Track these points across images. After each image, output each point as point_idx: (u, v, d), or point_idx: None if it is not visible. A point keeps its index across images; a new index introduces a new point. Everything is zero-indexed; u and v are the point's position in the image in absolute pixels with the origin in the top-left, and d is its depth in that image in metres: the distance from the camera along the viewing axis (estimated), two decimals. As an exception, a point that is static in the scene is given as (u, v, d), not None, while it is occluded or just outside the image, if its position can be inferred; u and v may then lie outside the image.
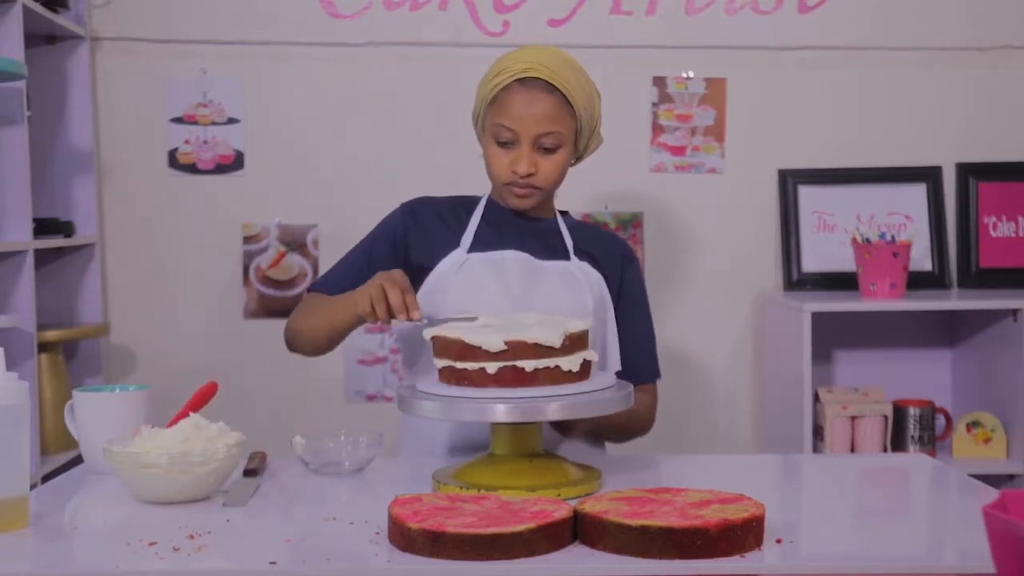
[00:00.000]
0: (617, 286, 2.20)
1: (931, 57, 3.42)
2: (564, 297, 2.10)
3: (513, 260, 2.13)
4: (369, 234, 2.23)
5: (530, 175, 2.08)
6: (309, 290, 2.22)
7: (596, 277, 2.16)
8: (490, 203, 2.21)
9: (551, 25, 3.38)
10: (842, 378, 3.44)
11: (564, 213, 2.26)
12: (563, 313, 2.02)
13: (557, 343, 1.71)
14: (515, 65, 2.08)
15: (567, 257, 2.17)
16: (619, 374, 2.08)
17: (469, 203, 2.23)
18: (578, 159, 2.20)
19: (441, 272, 2.13)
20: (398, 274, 1.93)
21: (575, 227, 2.24)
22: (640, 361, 2.20)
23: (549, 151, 2.09)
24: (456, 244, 2.15)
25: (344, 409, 3.37)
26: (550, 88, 2.06)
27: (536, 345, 1.71)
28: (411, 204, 2.23)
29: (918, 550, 1.57)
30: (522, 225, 2.19)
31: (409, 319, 1.88)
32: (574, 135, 2.12)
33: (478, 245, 2.15)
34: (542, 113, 2.06)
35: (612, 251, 2.22)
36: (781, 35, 3.40)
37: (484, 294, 2.09)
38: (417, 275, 2.13)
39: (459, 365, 1.73)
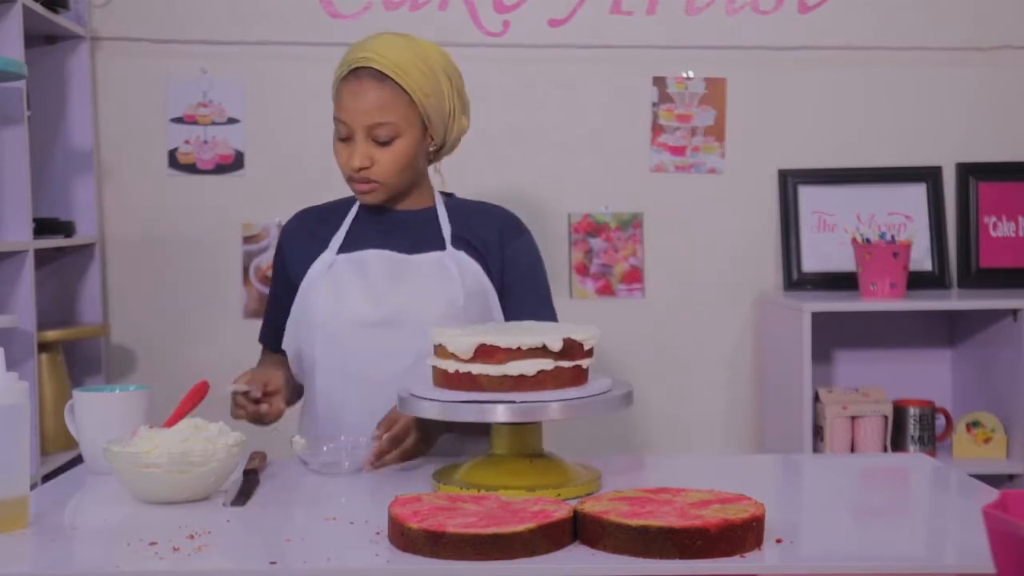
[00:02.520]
0: (499, 266, 2.13)
1: (931, 57, 3.42)
2: (432, 291, 2.07)
3: (375, 258, 2.10)
4: (271, 274, 2.29)
5: (364, 168, 2.05)
6: (260, 340, 2.29)
7: (472, 267, 2.10)
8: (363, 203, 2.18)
9: (551, 25, 3.38)
10: (842, 378, 3.43)
11: (449, 195, 2.22)
12: (431, 311, 2.02)
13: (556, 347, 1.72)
14: (352, 55, 2.05)
15: (442, 247, 2.11)
16: None
17: (345, 205, 2.21)
18: (441, 147, 2.15)
19: (310, 277, 2.12)
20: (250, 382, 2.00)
21: (456, 209, 2.18)
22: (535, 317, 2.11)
23: (385, 143, 2.05)
24: (325, 246, 2.14)
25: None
26: (381, 77, 2.02)
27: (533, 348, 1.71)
28: (283, 227, 2.25)
29: (918, 550, 1.57)
30: (394, 219, 2.15)
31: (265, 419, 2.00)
32: (419, 123, 2.06)
33: (347, 246, 2.13)
34: (371, 104, 2.02)
35: (490, 229, 2.15)
36: (781, 35, 3.40)
37: (348, 296, 2.08)
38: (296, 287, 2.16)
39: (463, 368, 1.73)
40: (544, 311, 2.14)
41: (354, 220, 2.17)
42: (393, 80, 2.03)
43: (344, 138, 2.07)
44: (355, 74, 2.04)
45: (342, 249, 2.13)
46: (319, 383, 2.11)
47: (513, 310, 2.13)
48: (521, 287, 2.14)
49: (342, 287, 2.09)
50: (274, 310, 2.23)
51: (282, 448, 2.15)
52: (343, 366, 2.08)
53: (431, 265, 2.10)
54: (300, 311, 2.12)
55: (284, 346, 2.18)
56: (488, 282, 2.12)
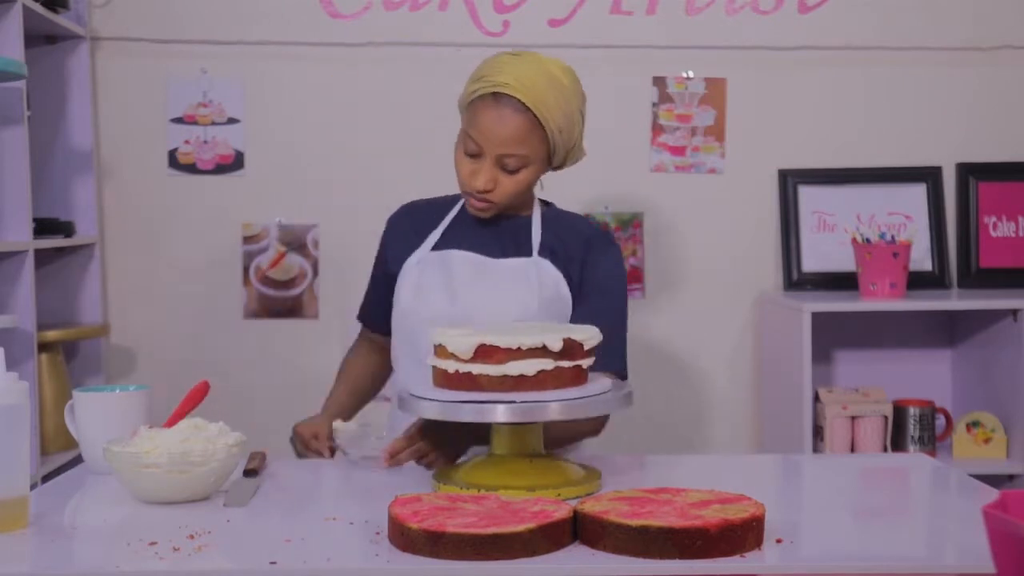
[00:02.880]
0: (578, 274, 2.14)
1: (931, 57, 3.42)
2: (508, 294, 2.10)
3: (459, 258, 2.15)
4: (375, 259, 2.34)
5: (488, 191, 2.08)
6: (359, 317, 2.38)
7: (553, 275, 2.13)
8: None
9: (551, 25, 3.38)
10: (842, 378, 3.43)
11: (548, 205, 2.24)
12: (502, 313, 2.07)
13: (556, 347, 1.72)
14: (495, 76, 2.04)
15: (529, 254, 2.15)
16: None
17: (450, 202, 2.25)
18: (556, 169, 2.17)
19: (403, 271, 2.19)
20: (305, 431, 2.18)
21: (551, 220, 2.20)
22: (598, 351, 2.08)
23: (512, 171, 2.07)
24: (423, 241, 2.21)
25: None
26: (522, 108, 2.02)
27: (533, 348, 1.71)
28: (389, 218, 2.31)
29: (918, 550, 1.57)
30: (492, 223, 2.18)
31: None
32: (545, 155, 2.08)
33: (441, 244, 2.19)
34: (509, 134, 2.03)
35: (576, 239, 2.17)
36: (781, 35, 3.40)
37: (429, 292, 2.14)
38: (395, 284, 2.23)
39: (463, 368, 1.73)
40: (614, 324, 2.11)
41: (453, 220, 2.22)
42: (534, 113, 2.03)
43: (471, 154, 2.08)
44: (496, 98, 2.04)
45: (436, 247, 2.19)
46: (399, 374, 2.21)
47: (582, 319, 2.11)
48: (595, 298, 2.13)
49: (425, 284, 2.15)
50: (375, 292, 2.31)
51: (282, 448, 2.15)
52: (417, 359, 2.07)
53: (512, 270, 2.13)
54: (396, 301, 2.21)
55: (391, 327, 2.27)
56: (567, 291, 2.13)
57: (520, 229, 2.18)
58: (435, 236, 2.20)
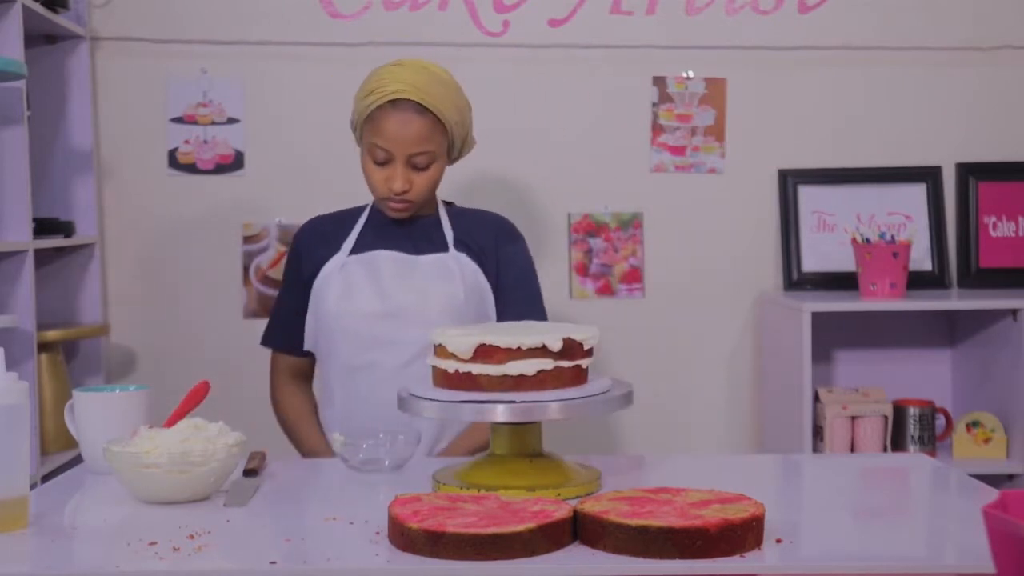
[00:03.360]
0: (495, 268, 2.31)
1: (931, 57, 3.42)
2: (435, 287, 2.24)
3: (385, 258, 2.28)
4: (283, 277, 2.44)
5: (405, 191, 2.22)
6: (264, 343, 2.47)
7: (471, 267, 2.28)
8: (373, 209, 2.36)
9: (551, 25, 3.38)
10: (842, 378, 3.43)
11: (449, 204, 2.40)
12: (433, 305, 2.21)
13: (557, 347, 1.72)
14: (388, 85, 2.20)
15: (445, 249, 2.30)
16: None
17: (355, 213, 2.38)
18: (453, 161, 2.33)
19: (322, 277, 2.30)
20: None
21: (458, 216, 2.36)
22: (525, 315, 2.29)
23: (422, 168, 2.22)
24: (336, 250, 2.31)
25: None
26: (421, 109, 2.19)
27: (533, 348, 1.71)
28: (296, 234, 2.42)
29: (918, 550, 1.57)
30: (402, 225, 2.32)
31: None
32: (446, 149, 2.26)
33: (358, 249, 2.30)
34: (414, 135, 2.19)
35: (487, 233, 2.34)
36: (781, 35, 3.40)
37: (359, 291, 2.25)
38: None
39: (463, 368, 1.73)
40: (534, 310, 2.31)
41: (364, 226, 2.34)
42: (432, 112, 2.20)
43: (380, 162, 2.23)
44: (396, 105, 2.20)
45: (353, 252, 2.30)
46: (334, 374, 2.29)
47: (505, 308, 2.30)
48: (514, 287, 2.31)
49: (353, 284, 2.27)
50: (285, 312, 2.41)
51: (282, 448, 2.15)
52: (354, 356, 2.26)
53: (435, 265, 2.28)
54: (315, 308, 2.31)
55: (307, 344, 2.37)
56: (485, 282, 2.30)
57: (430, 227, 2.33)
58: (350, 242, 2.31)
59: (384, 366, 2.24)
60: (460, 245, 2.31)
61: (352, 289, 2.27)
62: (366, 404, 2.25)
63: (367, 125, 2.24)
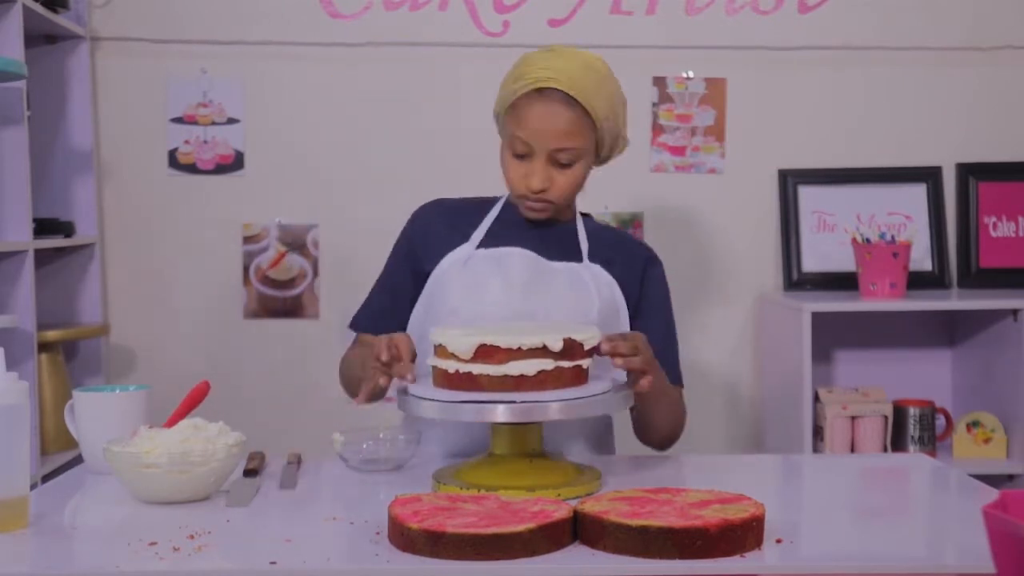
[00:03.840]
0: (637, 292, 2.12)
1: (931, 57, 3.42)
2: (568, 299, 2.05)
3: (519, 257, 2.07)
4: (389, 258, 2.19)
5: (543, 190, 2.03)
6: (351, 326, 2.18)
7: (607, 280, 2.09)
8: (507, 204, 2.15)
9: (551, 25, 3.38)
10: (842, 378, 3.43)
11: (587, 216, 2.21)
12: (565, 316, 2.01)
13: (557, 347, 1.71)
14: (535, 72, 1.99)
15: (579, 259, 2.11)
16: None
17: (486, 204, 2.18)
18: (601, 163, 2.15)
19: (444, 268, 2.08)
20: (400, 339, 1.82)
21: (595, 231, 2.17)
22: (664, 365, 2.05)
23: (565, 166, 2.02)
24: (464, 240, 2.10)
25: (344, 409, 3.36)
26: (569, 101, 1.98)
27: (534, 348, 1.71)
28: (415, 213, 2.19)
29: (918, 550, 1.57)
30: (538, 224, 2.12)
31: (401, 378, 1.79)
32: (593, 147, 2.05)
33: (487, 243, 2.10)
34: (559, 128, 1.98)
35: (632, 256, 2.15)
36: (781, 35, 3.40)
37: (486, 291, 2.04)
38: (426, 281, 2.11)
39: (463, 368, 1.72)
40: (667, 349, 2.11)
41: (495, 221, 2.14)
42: (581, 104, 1.99)
43: (521, 155, 2.03)
44: (542, 94, 1.99)
45: (482, 245, 2.10)
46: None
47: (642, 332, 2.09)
48: (653, 317, 2.13)
49: (481, 281, 2.06)
50: (384, 296, 2.16)
51: (282, 448, 2.15)
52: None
53: (569, 274, 2.08)
54: (430, 300, 2.09)
55: (410, 330, 2.12)
56: (621, 298, 2.11)
57: (565, 235, 2.14)
58: (479, 234, 2.11)
59: None
60: (595, 259, 2.11)
61: (480, 286, 2.05)
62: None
63: (510, 114, 2.02)
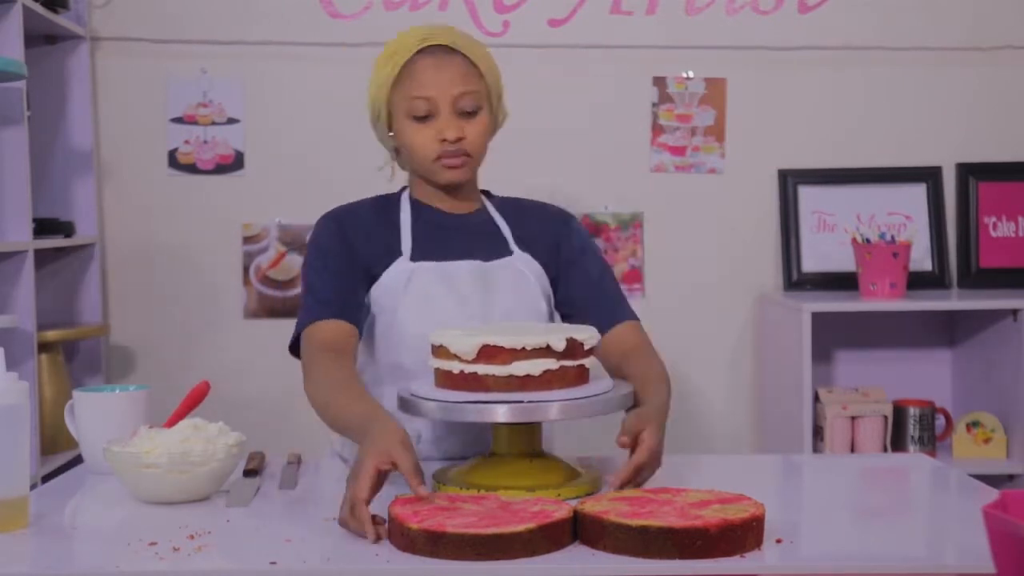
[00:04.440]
0: (556, 257, 2.09)
1: (931, 57, 3.42)
2: (519, 302, 2.02)
3: (462, 269, 2.03)
4: (313, 257, 2.06)
5: (460, 139, 2.00)
6: (298, 328, 1.97)
7: (538, 270, 2.06)
8: (413, 202, 2.11)
9: (551, 25, 3.38)
10: (842, 378, 3.43)
11: (487, 194, 2.16)
12: (521, 318, 1.99)
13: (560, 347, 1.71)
14: (411, 39, 2.05)
15: (509, 251, 2.07)
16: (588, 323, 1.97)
17: (389, 203, 2.12)
18: (493, 130, 2.11)
19: (387, 286, 2.01)
20: (360, 502, 1.53)
21: (504, 208, 2.13)
22: (608, 302, 2.06)
23: (471, 114, 2.02)
24: (396, 250, 2.04)
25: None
26: (452, 52, 2.02)
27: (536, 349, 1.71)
28: (333, 217, 2.11)
29: (918, 550, 1.57)
30: (456, 223, 2.08)
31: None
32: (488, 99, 2.06)
33: (420, 251, 2.04)
34: (454, 75, 2.01)
35: (545, 226, 2.11)
36: (781, 35, 3.40)
37: (438, 309, 1.99)
38: (370, 282, 2.03)
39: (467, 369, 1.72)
40: (608, 280, 2.10)
41: (413, 224, 2.08)
42: (464, 55, 2.03)
43: (422, 116, 2.01)
44: (427, 52, 2.03)
45: (415, 257, 2.04)
46: (387, 375, 2.01)
47: (574, 286, 2.08)
48: (579, 265, 2.09)
49: (431, 297, 2.00)
50: (327, 288, 1.99)
51: (281, 448, 2.15)
52: (422, 365, 1.89)
53: (508, 272, 2.05)
54: (384, 318, 2.02)
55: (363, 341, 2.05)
56: (549, 285, 2.09)
57: (483, 225, 2.10)
58: (406, 243, 2.04)
59: None
60: (521, 244, 2.08)
61: (432, 304, 1.99)
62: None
63: (399, 88, 2.02)
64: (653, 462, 1.72)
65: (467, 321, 1.97)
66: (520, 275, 2.05)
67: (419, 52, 2.03)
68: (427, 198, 2.09)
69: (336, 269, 2.01)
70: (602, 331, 1.98)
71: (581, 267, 2.09)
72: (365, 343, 2.05)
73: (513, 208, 2.14)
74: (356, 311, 1.98)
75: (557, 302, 2.10)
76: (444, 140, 1.99)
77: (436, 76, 2.01)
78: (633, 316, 2.07)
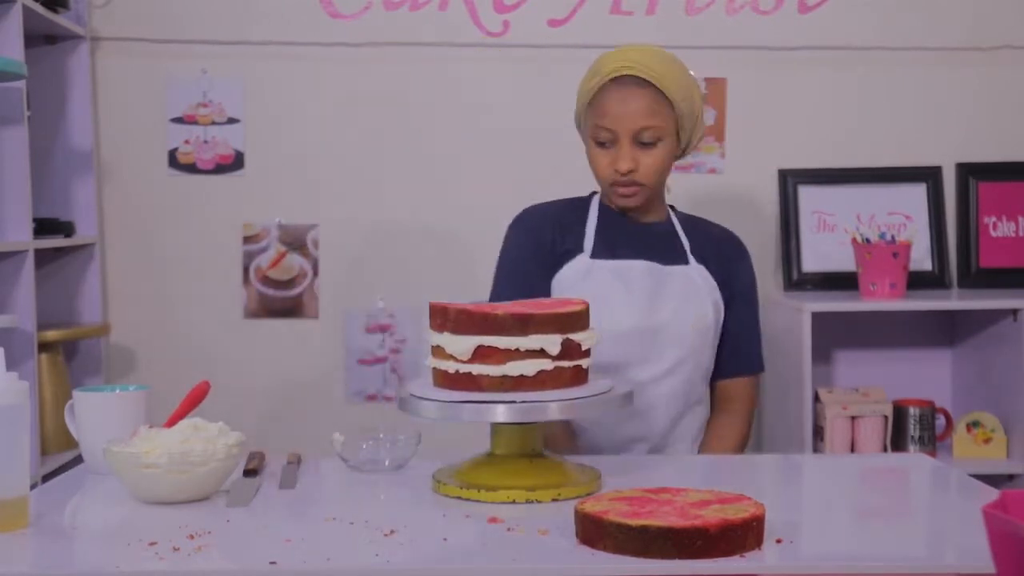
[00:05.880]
0: (729, 287, 2.24)
1: (931, 57, 3.42)
2: (687, 308, 2.15)
3: (639, 269, 2.15)
4: (504, 263, 2.22)
5: (631, 172, 2.10)
6: None
7: (712, 283, 2.20)
8: (602, 206, 2.24)
9: (551, 25, 3.37)
10: (842, 378, 3.43)
11: (672, 209, 2.29)
12: (686, 324, 2.12)
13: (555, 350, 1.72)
14: (608, 65, 2.11)
15: (686, 261, 2.20)
16: (719, 365, 2.21)
17: (579, 205, 2.25)
18: (683, 151, 2.21)
19: (565, 279, 2.15)
20: None
21: (686, 223, 2.27)
22: (740, 350, 2.24)
23: (649, 145, 2.11)
24: (578, 248, 2.18)
25: (344, 409, 3.37)
26: (643, 83, 2.09)
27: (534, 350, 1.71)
28: (522, 220, 2.24)
29: (918, 550, 1.57)
30: (639, 229, 2.21)
31: None
32: (675, 128, 2.13)
33: (600, 250, 2.18)
34: (637, 109, 2.09)
35: (724, 250, 2.26)
36: (781, 35, 3.40)
37: (611, 306, 2.10)
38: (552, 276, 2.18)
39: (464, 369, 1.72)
40: (750, 333, 2.27)
41: (598, 225, 2.21)
42: (655, 86, 2.09)
43: (603, 143, 2.12)
44: (617, 83, 2.10)
45: (595, 255, 2.18)
46: None
47: (731, 326, 2.24)
48: (742, 306, 2.26)
49: (607, 294, 2.11)
50: (526, 293, 2.11)
51: (281, 448, 2.15)
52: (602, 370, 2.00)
53: (682, 279, 2.18)
54: None
55: None
56: (721, 300, 2.22)
57: (665, 235, 2.23)
58: (588, 241, 2.19)
59: (634, 381, 2.07)
60: (698, 257, 2.23)
61: (607, 300, 2.09)
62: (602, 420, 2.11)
63: (590, 110, 2.14)
64: None
65: (634, 318, 2.11)
66: (692, 283, 2.18)
67: (612, 80, 2.10)
68: (610, 201, 2.22)
69: (530, 280, 2.17)
70: (723, 376, 2.26)
71: (741, 304, 2.25)
72: None
73: (696, 224, 2.30)
74: None
75: None
76: (617, 169, 2.11)
77: (620, 108, 2.10)
78: (758, 369, 2.28)
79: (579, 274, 2.15)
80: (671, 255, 2.20)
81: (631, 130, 2.09)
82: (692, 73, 2.18)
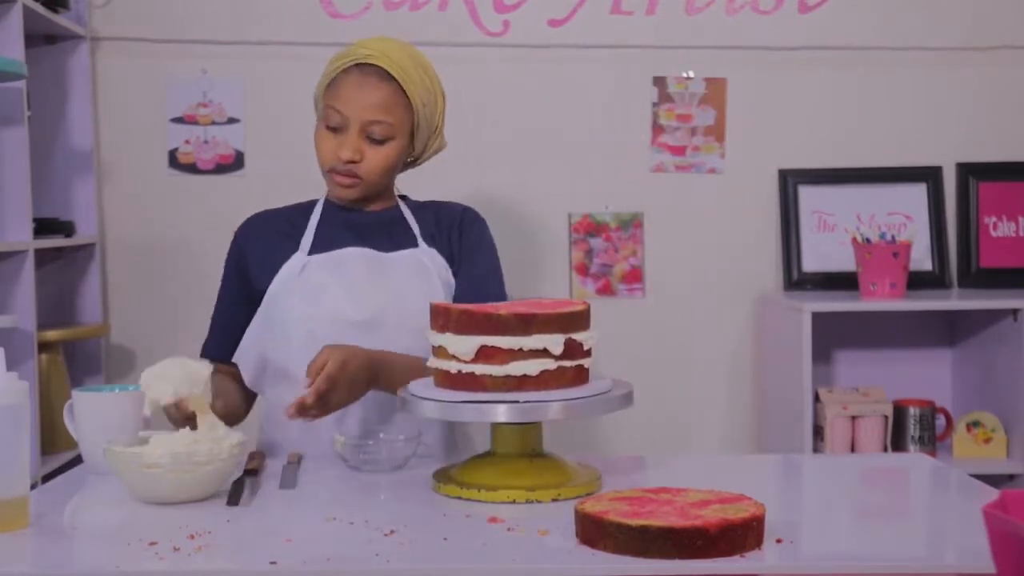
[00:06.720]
0: (457, 250, 2.15)
1: (931, 57, 3.42)
2: (413, 285, 2.07)
3: (354, 256, 2.09)
4: (221, 280, 2.24)
5: (353, 162, 2.06)
6: (202, 354, 2.17)
7: (442, 263, 2.12)
8: (327, 204, 2.18)
9: (551, 25, 3.38)
10: (842, 378, 3.43)
11: (404, 198, 2.22)
12: (412, 308, 2.02)
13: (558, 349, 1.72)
14: (357, 51, 2.07)
15: (415, 244, 2.13)
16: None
17: (306, 208, 2.20)
18: (415, 160, 2.17)
19: (281, 279, 2.09)
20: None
21: (418, 209, 2.20)
22: (480, 294, 2.08)
23: (378, 142, 2.06)
24: (295, 248, 2.12)
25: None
26: (387, 77, 2.04)
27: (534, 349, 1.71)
28: (239, 231, 2.22)
29: (918, 550, 1.57)
30: (363, 219, 2.15)
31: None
32: (409, 130, 2.08)
33: (319, 247, 2.11)
34: (374, 100, 2.04)
35: (449, 221, 2.17)
36: (781, 35, 3.40)
37: (326, 295, 2.05)
38: (262, 298, 2.13)
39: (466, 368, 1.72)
40: (493, 282, 2.15)
41: (320, 221, 2.16)
42: (398, 83, 2.05)
43: (334, 128, 2.07)
44: (360, 69, 2.05)
45: (313, 251, 2.11)
46: (292, 394, 1.95)
47: (462, 277, 2.14)
48: (472, 257, 2.15)
49: (319, 286, 2.07)
50: (224, 318, 2.19)
51: (280, 448, 2.15)
52: (299, 375, 1.95)
53: (408, 262, 2.11)
54: (269, 316, 2.09)
55: (237, 358, 2.13)
56: (452, 278, 2.14)
57: (393, 222, 2.16)
58: (308, 239, 2.13)
59: None
60: (428, 239, 2.14)
61: (319, 293, 2.05)
62: (332, 420, 1.99)
63: (328, 91, 2.09)
64: (335, 389, 1.84)
65: (354, 306, 2.04)
66: (420, 265, 2.10)
67: (357, 66, 2.06)
68: (331, 192, 2.17)
69: (230, 304, 2.19)
70: None
71: (470, 255, 2.15)
72: (257, 338, 2.12)
73: (426, 207, 2.21)
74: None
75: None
76: (339, 156, 2.06)
77: (356, 95, 2.05)
78: (501, 297, 2.13)
79: (293, 271, 2.08)
80: (398, 240, 2.12)
81: (362, 120, 2.03)
82: (444, 89, 2.14)
